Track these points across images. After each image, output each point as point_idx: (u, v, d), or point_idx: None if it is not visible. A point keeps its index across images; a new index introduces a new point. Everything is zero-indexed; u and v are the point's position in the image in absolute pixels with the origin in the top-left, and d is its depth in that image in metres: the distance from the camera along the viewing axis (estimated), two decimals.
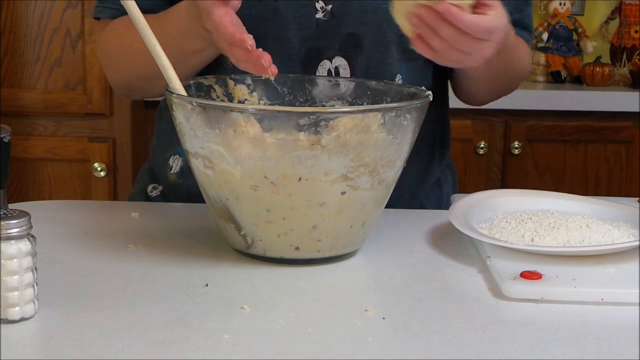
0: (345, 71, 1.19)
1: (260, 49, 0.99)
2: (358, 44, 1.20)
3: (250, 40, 0.98)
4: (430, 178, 1.32)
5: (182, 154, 1.25)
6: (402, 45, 1.21)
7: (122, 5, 1.22)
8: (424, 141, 1.29)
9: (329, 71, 1.19)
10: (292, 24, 1.16)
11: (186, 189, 1.26)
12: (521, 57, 1.29)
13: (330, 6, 1.18)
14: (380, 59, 1.20)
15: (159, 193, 1.32)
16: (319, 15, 1.18)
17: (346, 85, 1.14)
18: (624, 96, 2.54)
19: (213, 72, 1.17)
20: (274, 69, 0.99)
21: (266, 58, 0.99)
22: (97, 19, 1.28)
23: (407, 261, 1.02)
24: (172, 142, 1.26)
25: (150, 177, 1.34)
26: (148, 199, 1.33)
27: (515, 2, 1.29)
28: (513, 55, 1.23)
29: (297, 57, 1.19)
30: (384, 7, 1.17)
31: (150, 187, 1.33)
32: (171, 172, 1.28)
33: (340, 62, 1.20)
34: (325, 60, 1.20)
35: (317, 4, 1.18)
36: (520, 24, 1.30)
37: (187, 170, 1.24)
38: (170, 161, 1.28)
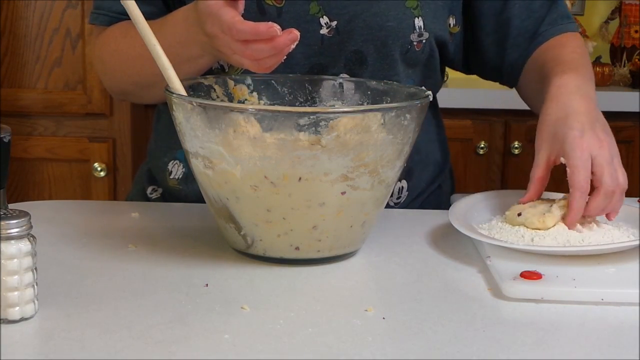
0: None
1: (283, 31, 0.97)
2: (363, 62, 1.19)
3: (275, 25, 0.96)
4: (432, 187, 1.33)
5: (183, 159, 1.25)
6: (407, 61, 1.21)
7: (116, 13, 1.22)
8: (428, 159, 1.30)
9: (339, 85, 1.17)
10: None
11: (185, 196, 1.26)
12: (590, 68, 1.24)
13: (335, 22, 1.17)
14: (385, 76, 1.19)
15: (158, 195, 1.32)
16: (324, 31, 1.17)
17: (346, 85, 1.14)
18: (624, 96, 2.54)
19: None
20: (296, 33, 0.97)
21: (294, 32, 0.96)
22: (93, 24, 1.28)
23: (407, 261, 1.02)
24: (171, 145, 1.26)
25: (148, 178, 1.34)
26: (147, 200, 1.33)
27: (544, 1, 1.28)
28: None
29: (301, 73, 1.18)
30: (390, 25, 1.17)
31: (149, 189, 1.33)
32: (171, 177, 1.27)
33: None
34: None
35: (321, 20, 1.17)
36: (564, 14, 1.28)
37: (189, 178, 1.24)
38: (170, 166, 1.27)
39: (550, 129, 1.07)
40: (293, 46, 0.98)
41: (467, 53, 1.31)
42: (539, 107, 1.13)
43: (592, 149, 1.03)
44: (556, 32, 1.27)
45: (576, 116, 1.06)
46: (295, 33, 0.97)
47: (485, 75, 1.35)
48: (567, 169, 1.04)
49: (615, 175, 1.03)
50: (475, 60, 1.32)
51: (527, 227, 1.03)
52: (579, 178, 1.02)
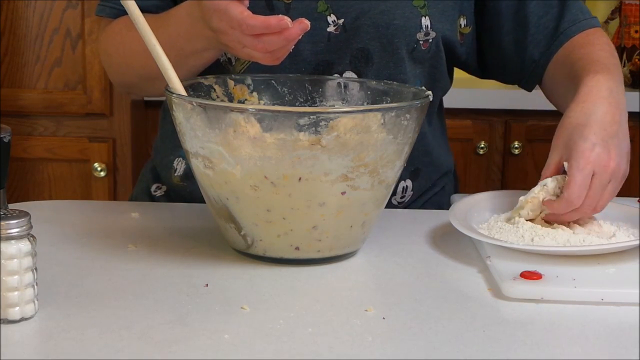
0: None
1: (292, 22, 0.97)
2: (369, 59, 1.19)
3: (285, 17, 0.96)
4: (435, 188, 1.33)
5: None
6: (413, 60, 1.21)
7: (123, 5, 1.22)
8: (436, 161, 1.30)
9: (339, 84, 1.16)
10: (303, 37, 1.11)
11: (189, 193, 1.25)
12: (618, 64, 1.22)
13: (342, 20, 1.17)
14: (390, 74, 1.19)
15: (163, 193, 1.32)
16: (331, 28, 1.17)
17: (346, 85, 1.14)
18: None
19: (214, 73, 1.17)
20: (306, 22, 0.97)
21: (305, 21, 0.96)
22: (100, 16, 1.28)
23: (407, 261, 1.02)
24: (177, 143, 1.25)
25: (153, 176, 1.34)
26: (152, 198, 1.33)
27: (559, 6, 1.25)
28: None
29: (307, 70, 1.18)
30: (396, 23, 1.17)
31: (154, 187, 1.33)
32: (175, 174, 1.27)
33: (350, 76, 1.19)
34: (336, 75, 1.19)
35: (329, 18, 1.17)
36: (583, 9, 1.26)
37: (191, 174, 1.24)
38: (175, 163, 1.27)
39: (567, 132, 1.05)
40: (301, 34, 0.98)
41: (485, 56, 1.30)
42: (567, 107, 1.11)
43: (596, 165, 1.01)
44: (579, 29, 1.24)
45: (595, 127, 1.04)
46: (306, 23, 0.97)
47: (504, 78, 1.33)
48: (567, 177, 1.02)
49: (594, 201, 1.02)
50: (495, 62, 1.30)
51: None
52: (573, 192, 1.00)
